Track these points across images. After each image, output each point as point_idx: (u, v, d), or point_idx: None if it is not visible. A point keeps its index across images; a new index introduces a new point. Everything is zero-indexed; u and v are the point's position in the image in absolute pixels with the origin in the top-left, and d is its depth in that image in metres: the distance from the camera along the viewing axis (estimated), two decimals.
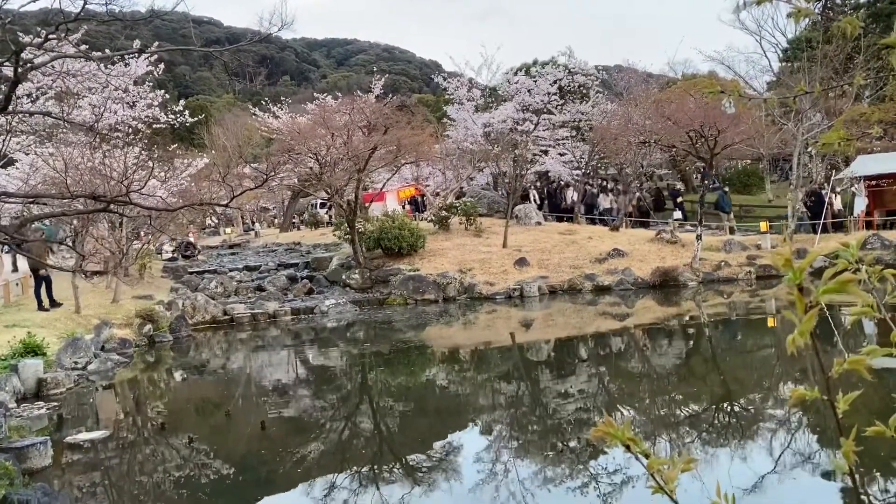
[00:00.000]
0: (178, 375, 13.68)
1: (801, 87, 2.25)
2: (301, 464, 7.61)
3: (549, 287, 19.75)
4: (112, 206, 5.24)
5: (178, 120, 19.82)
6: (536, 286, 19.53)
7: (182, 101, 20.55)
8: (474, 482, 6.72)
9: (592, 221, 27.03)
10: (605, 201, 28.31)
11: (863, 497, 5.31)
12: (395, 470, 7.41)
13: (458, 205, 24.75)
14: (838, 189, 23.00)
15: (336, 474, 7.19)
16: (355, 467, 7.40)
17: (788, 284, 1.04)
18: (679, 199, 26.62)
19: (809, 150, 23.96)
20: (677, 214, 25.85)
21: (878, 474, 6.18)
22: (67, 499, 5.17)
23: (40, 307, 15.63)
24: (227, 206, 6.55)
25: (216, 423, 9.79)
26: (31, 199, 5.90)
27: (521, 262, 20.75)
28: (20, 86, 7.13)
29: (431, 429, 8.95)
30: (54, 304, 16.01)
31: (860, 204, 21.46)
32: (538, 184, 29.42)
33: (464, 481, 6.81)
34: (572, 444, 7.82)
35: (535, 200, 28.40)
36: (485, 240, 22.84)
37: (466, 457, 7.57)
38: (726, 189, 27.33)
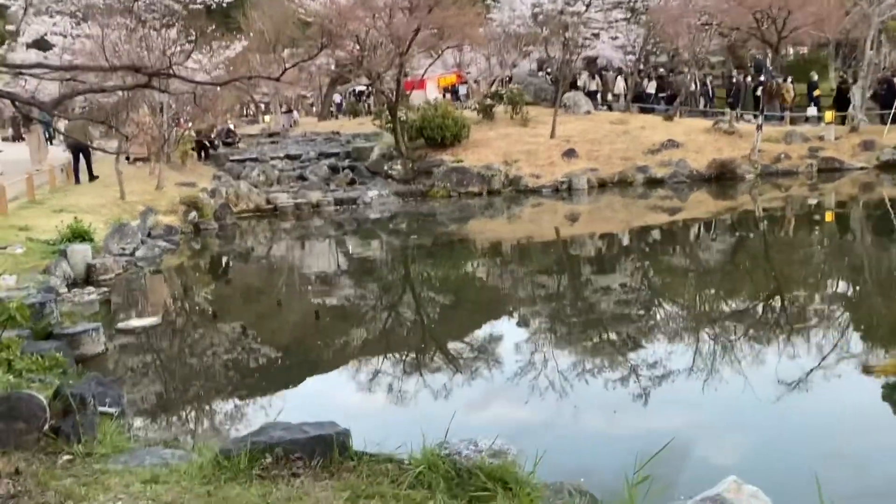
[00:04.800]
0: (225, 263, 13.67)
1: None
2: (348, 350, 7.59)
3: (599, 180, 19.08)
4: (154, 81, 4.80)
5: (215, 0, 19.02)
6: (585, 179, 18.87)
7: None
8: (514, 371, 6.68)
9: (643, 111, 25.81)
10: (650, 88, 26.91)
11: None
12: (437, 357, 7.38)
13: (503, 92, 23.76)
14: None
15: (381, 360, 7.22)
16: (399, 354, 7.41)
17: None
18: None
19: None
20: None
21: None
22: (122, 389, 5.07)
23: (77, 181, 16.30)
24: (277, 79, 6.11)
25: (266, 311, 9.74)
26: (68, 71, 5.52)
27: (570, 154, 20.00)
28: None
29: (473, 319, 8.83)
30: (92, 177, 16.61)
31: None
32: (591, 72, 27.92)
33: (504, 370, 6.78)
34: (612, 336, 7.65)
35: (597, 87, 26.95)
36: (531, 130, 21.99)
37: (507, 347, 7.50)
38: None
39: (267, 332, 8.49)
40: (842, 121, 20.69)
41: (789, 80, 24.48)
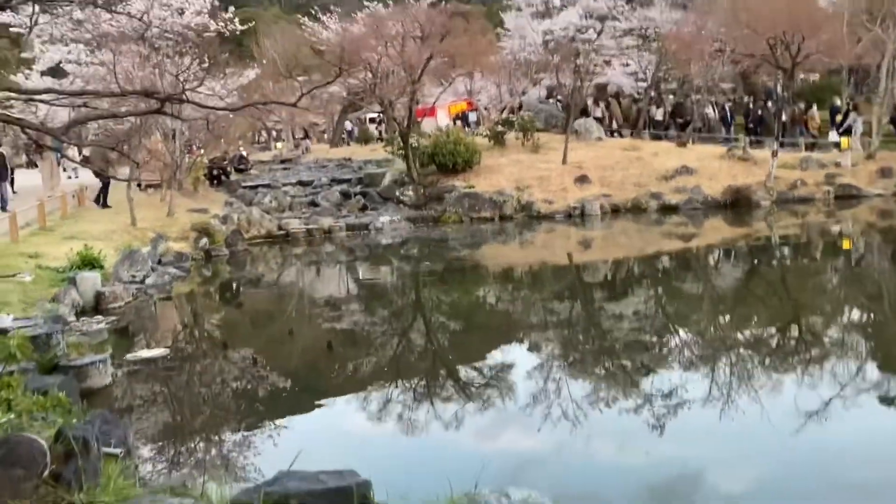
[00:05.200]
0: (236, 290, 13.52)
1: None
2: (363, 382, 7.41)
3: (612, 206, 18.90)
4: (166, 107, 4.68)
5: (229, 28, 19.07)
6: (598, 204, 18.70)
7: (231, 9, 19.69)
8: (526, 400, 6.54)
9: (654, 137, 25.69)
10: (657, 114, 26.83)
11: None
12: (448, 385, 7.23)
13: (514, 119, 23.71)
14: None
15: (398, 393, 7.04)
16: (416, 387, 7.24)
17: None
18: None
19: None
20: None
21: None
22: (128, 426, 4.88)
23: (106, 206, 17.04)
24: (295, 105, 6.00)
25: (278, 340, 9.56)
26: (80, 96, 5.41)
27: (582, 180, 19.85)
28: None
29: (490, 349, 8.66)
30: (106, 206, 17.01)
31: None
32: (596, 99, 27.91)
33: (516, 398, 6.63)
34: (626, 364, 7.50)
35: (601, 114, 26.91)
36: (542, 156, 21.89)
37: (519, 374, 7.35)
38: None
39: (279, 362, 8.31)
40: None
41: (814, 107, 24.35)
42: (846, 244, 15.14)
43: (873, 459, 5.03)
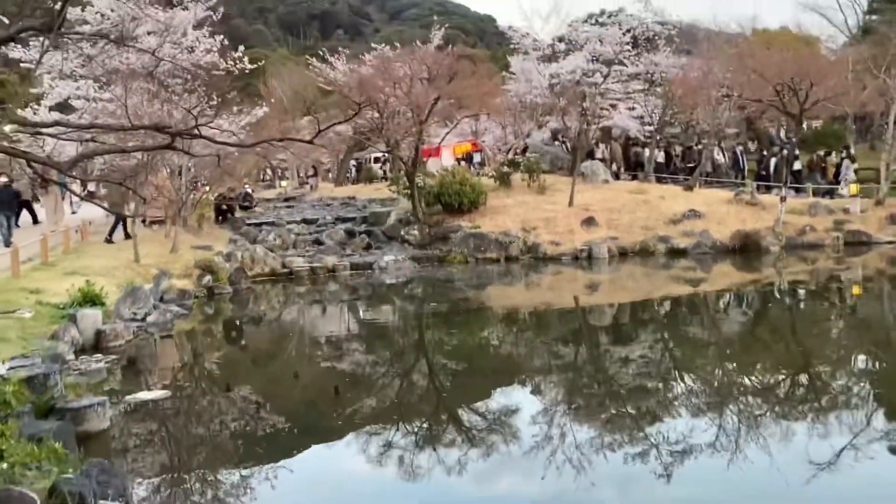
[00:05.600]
0: (238, 328, 13.28)
1: None
2: (369, 429, 7.18)
3: (620, 249, 18.74)
4: (177, 142, 4.53)
5: (238, 67, 19.17)
6: (605, 247, 18.53)
7: (242, 48, 19.84)
8: (530, 445, 6.38)
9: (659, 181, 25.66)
10: (659, 157, 26.89)
11: None
12: (451, 429, 7.05)
13: (520, 160, 23.71)
14: None
15: (393, 431, 6.90)
16: (412, 425, 7.10)
17: None
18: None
19: None
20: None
21: None
22: (128, 476, 4.63)
23: (127, 236, 17.03)
24: (310, 142, 5.88)
25: (280, 382, 9.30)
26: (87, 130, 5.29)
27: (589, 222, 19.73)
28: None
29: (489, 389, 8.51)
30: (110, 241, 17.22)
31: None
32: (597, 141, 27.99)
33: (520, 444, 6.47)
34: (632, 410, 7.34)
35: (602, 156, 26.98)
36: (549, 197, 21.81)
37: (523, 419, 7.17)
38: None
39: (279, 403, 8.07)
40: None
41: (833, 154, 24.42)
42: (856, 291, 14.91)
43: None
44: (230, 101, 17.53)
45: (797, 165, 23.01)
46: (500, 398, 8.15)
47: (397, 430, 6.94)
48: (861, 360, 9.42)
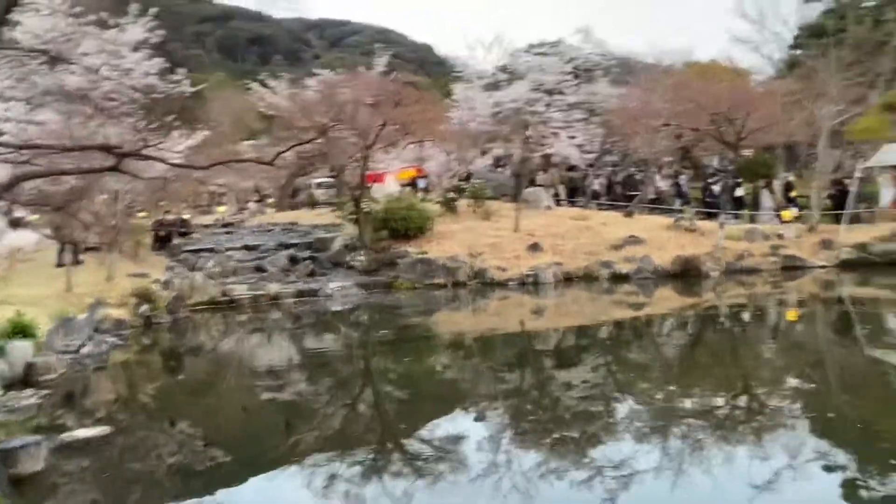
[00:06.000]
0: (177, 360, 12.76)
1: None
2: (303, 452, 7.03)
3: (565, 274, 18.91)
4: (123, 164, 4.28)
5: (177, 89, 18.69)
6: (551, 273, 18.67)
7: (182, 70, 19.39)
8: (476, 473, 6.30)
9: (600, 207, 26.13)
10: (595, 184, 27.52)
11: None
12: (397, 459, 6.88)
13: (466, 187, 23.80)
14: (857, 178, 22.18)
15: (337, 462, 6.71)
16: (356, 455, 6.90)
17: None
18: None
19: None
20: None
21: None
22: None
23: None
24: (270, 163, 5.68)
25: (219, 412, 8.93)
26: (23, 152, 4.96)
27: (534, 248, 19.87)
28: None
29: (435, 417, 8.40)
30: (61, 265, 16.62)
31: (888, 194, 20.70)
32: (554, 169, 28.41)
33: (467, 472, 6.38)
34: (576, 435, 7.33)
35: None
36: (494, 223, 21.94)
37: (469, 446, 7.08)
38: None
39: (223, 438, 7.75)
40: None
41: (777, 181, 25.31)
42: (792, 315, 15.34)
43: None
44: (169, 124, 17.03)
45: (739, 192, 23.78)
46: (446, 425, 8.05)
47: (342, 460, 6.77)
48: (796, 382, 9.62)
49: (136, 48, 18.84)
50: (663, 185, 26.14)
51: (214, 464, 6.78)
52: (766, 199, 23.25)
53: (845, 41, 23.61)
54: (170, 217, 23.41)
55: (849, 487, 5.74)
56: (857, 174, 20.61)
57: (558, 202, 26.39)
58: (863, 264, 18.73)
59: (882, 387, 8.86)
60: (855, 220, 20.55)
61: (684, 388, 9.28)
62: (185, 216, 26.33)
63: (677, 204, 25.01)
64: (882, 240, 18.95)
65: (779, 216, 22.18)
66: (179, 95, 20.26)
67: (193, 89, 20.15)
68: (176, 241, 22.84)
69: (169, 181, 12.83)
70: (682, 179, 26.72)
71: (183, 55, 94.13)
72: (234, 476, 6.58)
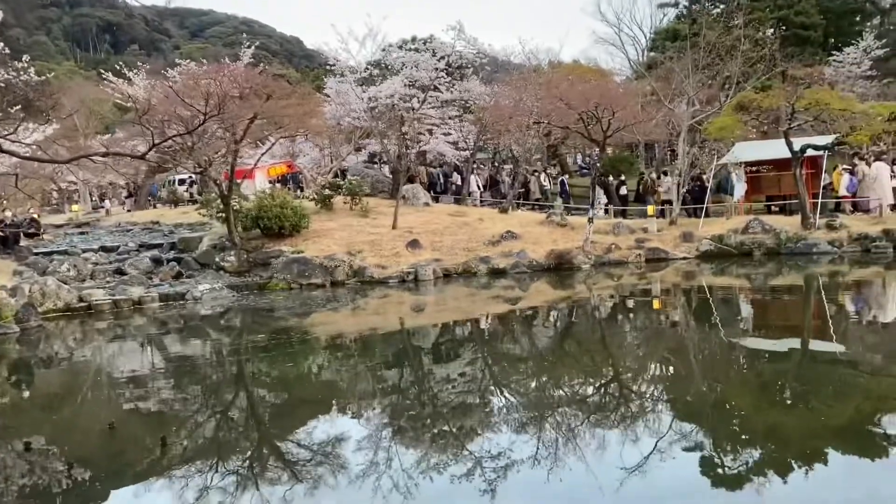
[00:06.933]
0: (28, 373, 11.59)
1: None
2: (172, 464, 6.59)
3: (444, 270, 18.94)
4: None
5: (22, 78, 17.06)
6: (431, 269, 18.63)
7: (27, 57, 17.71)
8: (356, 474, 6.17)
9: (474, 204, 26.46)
10: (473, 183, 27.91)
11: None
12: (274, 465, 6.59)
13: (342, 183, 23.35)
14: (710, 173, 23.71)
15: (212, 474, 6.31)
16: (232, 465, 6.55)
17: None
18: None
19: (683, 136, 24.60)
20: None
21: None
22: None
23: None
24: (143, 157, 5.13)
25: (81, 431, 8.13)
26: None
27: (414, 245, 19.77)
28: None
29: (312, 420, 8.17)
30: None
31: (740, 189, 22.25)
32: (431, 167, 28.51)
33: (347, 473, 6.22)
34: (455, 429, 7.35)
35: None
36: (372, 220, 21.66)
37: (348, 447, 6.91)
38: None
39: (83, 455, 7.08)
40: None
41: (663, 176, 26.49)
42: (656, 304, 16.12)
43: None
44: (15, 115, 15.48)
45: (623, 190, 24.83)
46: (324, 428, 7.80)
47: (215, 471, 6.35)
48: (661, 367, 10.07)
49: None
50: (547, 183, 26.89)
51: (73, 483, 6.16)
52: (673, 192, 24.17)
53: (698, 45, 25.13)
54: (9, 216, 21.33)
55: (706, 465, 6.05)
56: (713, 170, 22.01)
57: (437, 198, 26.47)
58: (720, 255, 20.04)
59: (737, 370, 9.36)
60: (710, 213, 21.96)
61: (557, 379, 9.48)
62: (34, 215, 24.13)
63: (559, 201, 25.84)
64: (736, 231, 20.36)
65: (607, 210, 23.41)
66: (24, 84, 18.56)
67: (39, 78, 18.56)
68: (24, 243, 20.88)
69: (10, 177, 11.56)
70: (565, 178, 27.61)
71: (25, 42, 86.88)
72: (97, 494, 6.05)
